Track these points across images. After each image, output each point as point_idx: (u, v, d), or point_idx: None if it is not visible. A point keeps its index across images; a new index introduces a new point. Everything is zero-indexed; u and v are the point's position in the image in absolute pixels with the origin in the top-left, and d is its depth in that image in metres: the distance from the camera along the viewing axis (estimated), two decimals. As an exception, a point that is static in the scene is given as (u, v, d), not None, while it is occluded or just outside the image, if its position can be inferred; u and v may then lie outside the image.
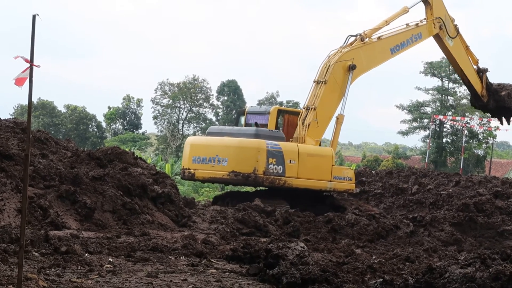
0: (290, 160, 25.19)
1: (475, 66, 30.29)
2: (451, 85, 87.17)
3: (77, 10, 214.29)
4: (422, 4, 29.08)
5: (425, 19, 28.91)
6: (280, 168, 25.01)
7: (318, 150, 26.21)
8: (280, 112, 27.57)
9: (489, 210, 24.92)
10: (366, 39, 27.33)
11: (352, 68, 26.71)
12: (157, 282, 11.14)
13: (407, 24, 28.55)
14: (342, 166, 26.79)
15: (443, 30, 28.93)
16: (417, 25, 28.55)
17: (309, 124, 26.41)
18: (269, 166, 24.87)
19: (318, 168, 25.59)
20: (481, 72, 30.37)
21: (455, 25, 29.51)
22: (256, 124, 27.18)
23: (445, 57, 30.49)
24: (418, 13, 29.48)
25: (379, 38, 27.76)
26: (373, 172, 33.88)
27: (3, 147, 18.03)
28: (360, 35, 27.20)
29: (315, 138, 26.48)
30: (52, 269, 11.38)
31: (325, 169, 25.74)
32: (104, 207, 17.82)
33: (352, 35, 27.41)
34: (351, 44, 27.30)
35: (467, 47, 29.95)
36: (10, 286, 9.15)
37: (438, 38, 29.29)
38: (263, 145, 24.96)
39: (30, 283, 9.35)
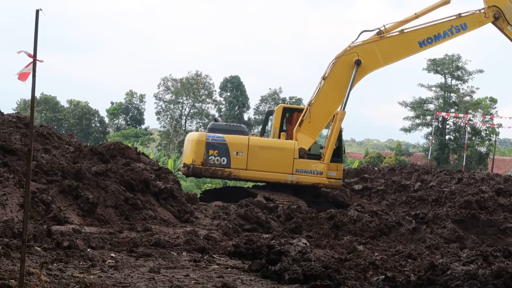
0: (237, 152, 25.69)
1: None
2: (454, 82, 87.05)
3: (80, 6, 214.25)
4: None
5: (483, 8, 26.69)
6: (223, 160, 25.69)
7: (276, 143, 26.23)
8: (286, 110, 27.73)
9: (491, 207, 24.88)
10: (388, 34, 26.41)
11: (357, 63, 26.16)
12: (159, 278, 11.14)
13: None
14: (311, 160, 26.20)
15: (501, 19, 26.46)
16: (460, 15, 26.51)
17: (302, 120, 26.43)
18: (209, 158, 25.66)
19: (276, 161, 25.74)
20: None
21: None
22: (215, 119, 28.23)
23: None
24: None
25: (402, 31, 26.49)
26: (376, 168, 33.87)
27: (6, 142, 18.05)
28: (379, 29, 26.39)
29: (310, 134, 26.36)
30: (54, 264, 11.39)
31: (285, 162, 25.78)
32: (107, 202, 17.83)
33: (367, 30, 26.67)
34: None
35: None
36: (12, 281, 9.15)
37: (499, 28, 26.85)
38: (202, 137, 25.98)
39: (32, 278, 9.35)
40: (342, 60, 26.35)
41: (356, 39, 26.54)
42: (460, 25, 26.27)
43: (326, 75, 26.43)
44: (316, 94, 26.56)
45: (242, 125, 27.96)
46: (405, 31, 26.48)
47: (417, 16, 26.63)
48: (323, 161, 26.12)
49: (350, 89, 26.29)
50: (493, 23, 26.65)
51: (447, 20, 26.32)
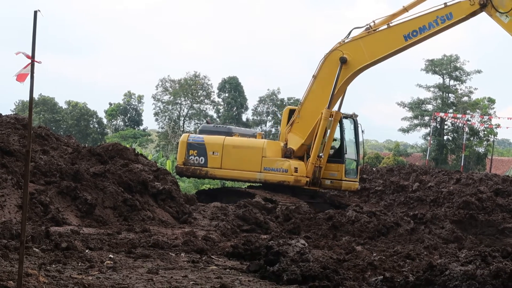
0: (213, 152, 26.50)
1: None
2: (452, 82, 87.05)
3: (78, 7, 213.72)
4: None
5: None
6: (201, 159, 26.66)
7: (247, 142, 26.61)
8: (292, 112, 27.74)
9: (489, 207, 24.91)
10: (376, 29, 25.65)
11: (341, 61, 25.63)
12: (157, 279, 11.14)
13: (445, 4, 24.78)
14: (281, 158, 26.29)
15: (489, 6, 24.05)
16: (445, 4, 24.75)
17: (293, 121, 26.47)
18: (190, 158, 26.80)
19: (247, 160, 26.12)
20: None
21: None
22: (207, 122, 29.25)
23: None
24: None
25: (388, 25, 25.55)
26: (374, 169, 33.90)
27: (4, 143, 18.04)
28: (368, 25, 25.70)
29: (300, 134, 26.36)
30: (53, 265, 11.39)
31: (254, 160, 26.07)
32: (105, 204, 17.83)
33: (357, 27, 25.98)
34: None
35: None
36: (11, 282, 9.14)
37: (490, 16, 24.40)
38: (185, 138, 27.44)
39: (31, 279, 9.34)
40: (330, 58, 25.98)
41: (346, 36, 26.04)
42: (445, 15, 24.81)
43: (315, 75, 26.29)
44: (306, 94, 26.49)
45: (229, 126, 28.90)
46: (391, 25, 25.61)
47: (405, 9, 25.72)
48: (308, 161, 26.08)
49: (335, 87, 25.74)
50: (484, 10, 24.55)
51: (432, 11, 24.82)
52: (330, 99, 25.82)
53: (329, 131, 26.23)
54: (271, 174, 25.94)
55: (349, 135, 27.45)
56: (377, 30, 25.76)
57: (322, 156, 26.22)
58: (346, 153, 26.82)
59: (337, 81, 25.76)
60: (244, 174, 26.38)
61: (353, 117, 27.22)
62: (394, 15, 25.81)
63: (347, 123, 27.26)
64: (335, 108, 26.65)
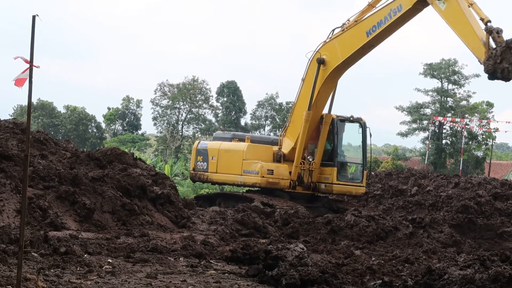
0: (212, 157, 27.27)
1: (484, 26, 21.63)
2: (450, 86, 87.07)
3: (77, 11, 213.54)
4: None
5: None
6: (205, 165, 27.50)
7: (233, 146, 27.05)
8: None
9: (488, 211, 24.91)
10: (348, 27, 25.23)
11: (318, 62, 25.52)
12: (156, 283, 11.14)
13: None
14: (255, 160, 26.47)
15: None
16: None
17: (287, 125, 26.70)
18: (197, 163, 27.74)
19: (232, 163, 26.71)
20: (489, 34, 21.23)
21: None
22: (221, 129, 30.20)
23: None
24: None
25: (355, 22, 25.14)
26: (373, 173, 33.89)
27: (2, 147, 18.03)
28: (344, 24, 25.43)
29: (291, 138, 26.49)
30: (51, 270, 11.38)
31: (237, 163, 26.57)
32: (104, 208, 17.82)
33: (338, 27, 25.68)
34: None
35: (471, 5, 22.32)
36: (9, 286, 9.15)
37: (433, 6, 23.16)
38: (195, 145, 28.46)
39: (29, 283, 9.34)
40: (314, 60, 25.90)
41: (328, 36, 25.84)
42: (396, 7, 24.29)
43: (303, 78, 26.32)
44: (296, 97, 26.55)
45: (234, 132, 29.40)
46: (357, 22, 25.23)
47: (370, 5, 25.23)
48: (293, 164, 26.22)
49: (314, 89, 25.57)
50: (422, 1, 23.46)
51: (386, 4, 24.55)
52: (310, 101, 25.75)
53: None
54: (248, 177, 26.39)
55: (356, 139, 27.53)
56: (349, 28, 25.47)
57: (311, 160, 26.28)
58: (337, 156, 26.75)
59: (316, 82, 25.71)
60: (229, 177, 26.98)
61: (360, 121, 27.23)
62: (363, 12, 25.41)
63: (354, 127, 27.32)
64: (325, 110, 26.69)
